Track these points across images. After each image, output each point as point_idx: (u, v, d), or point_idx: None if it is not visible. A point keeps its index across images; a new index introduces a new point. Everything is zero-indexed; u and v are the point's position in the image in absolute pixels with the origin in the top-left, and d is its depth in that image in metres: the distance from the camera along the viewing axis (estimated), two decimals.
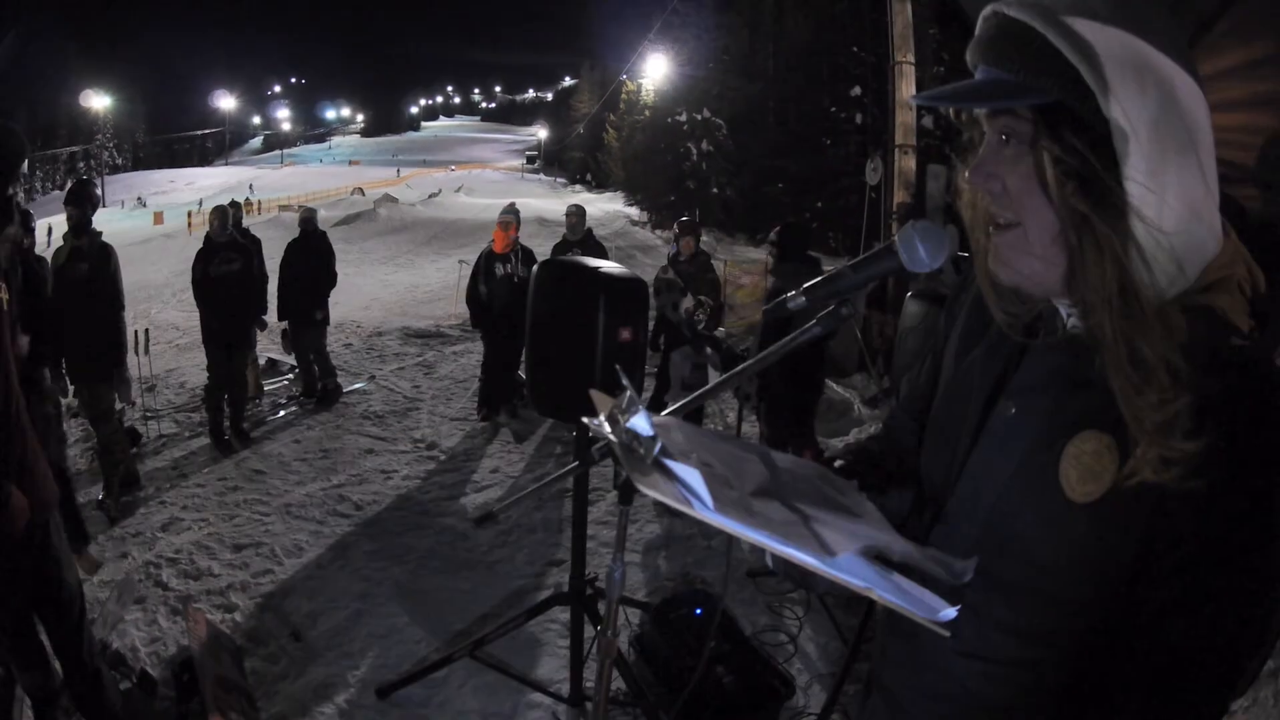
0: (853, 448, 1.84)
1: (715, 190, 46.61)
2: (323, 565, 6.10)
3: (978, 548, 1.33)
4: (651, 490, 1.18)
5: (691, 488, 1.18)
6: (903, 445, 1.75)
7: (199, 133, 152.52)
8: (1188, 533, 1.14)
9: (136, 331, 9.13)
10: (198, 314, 9.32)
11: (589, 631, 4.15)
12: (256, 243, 10.23)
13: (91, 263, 6.99)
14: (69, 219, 7.02)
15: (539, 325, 3.50)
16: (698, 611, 4.54)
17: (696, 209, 44.31)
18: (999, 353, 1.42)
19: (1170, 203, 1.14)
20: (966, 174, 1.32)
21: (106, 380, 7.04)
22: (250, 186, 65.09)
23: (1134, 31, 1.15)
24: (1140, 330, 1.15)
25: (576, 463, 2.00)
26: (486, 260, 9.52)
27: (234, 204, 10.63)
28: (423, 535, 6.57)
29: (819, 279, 1.54)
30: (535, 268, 3.62)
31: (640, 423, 1.25)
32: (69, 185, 7.47)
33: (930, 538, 1.44)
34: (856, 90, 42.44)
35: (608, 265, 3.50)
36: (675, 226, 9.09)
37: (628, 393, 1.29)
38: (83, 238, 7.01)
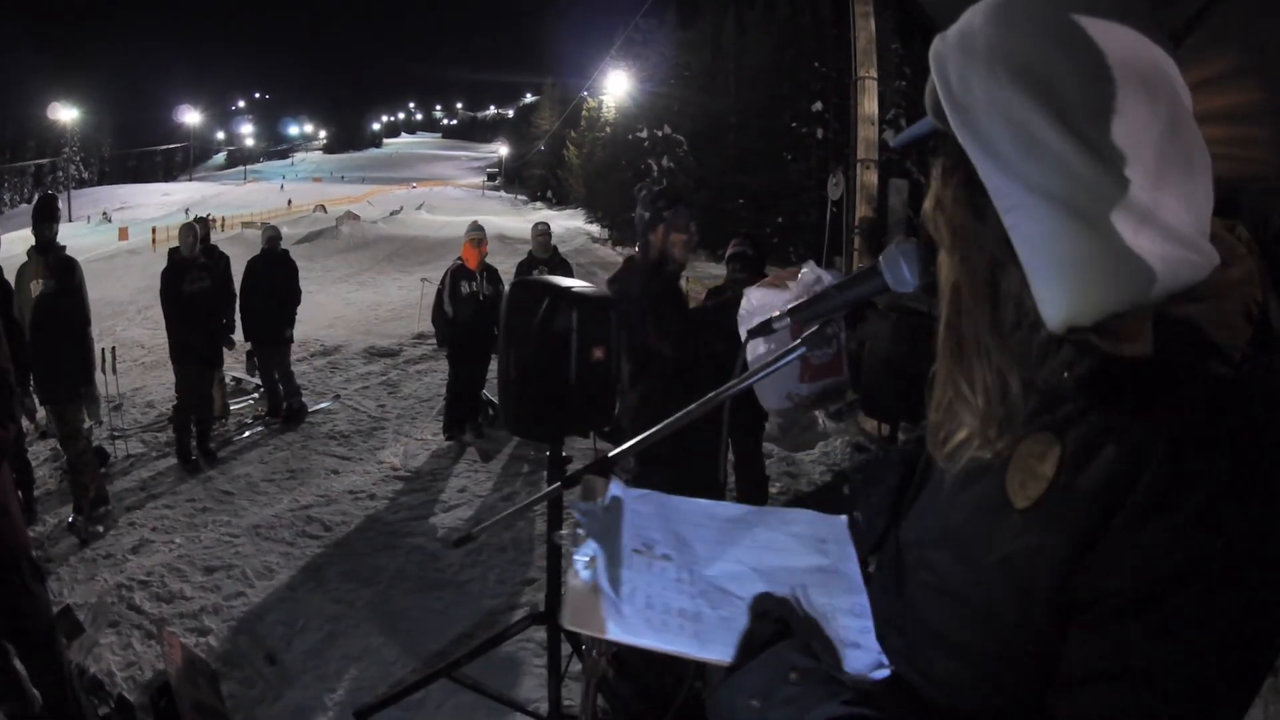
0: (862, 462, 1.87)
1: None
2: (294, 587, 6.08)
3: (934, 551, 1.29)
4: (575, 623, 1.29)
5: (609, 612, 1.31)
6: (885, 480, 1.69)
7: (163, 147, 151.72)
8: (1137, 543, 0.98)
9: (104, 350, 9.09)
10: (162, 332, 9.26)
11: (566, 650, 4.16)
12: (225, 260, 10.21)
13: (59, 279, 6.94)
14: (37, 234, 6.97)
15: (511, 345, 3.47)
16: None
17: None
18: None
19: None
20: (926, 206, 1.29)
21: (75, 399, 6.99)
22: (186, 211, 65.06)
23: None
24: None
25: (557, 484, 2.01)
26: (452, 278, 9.52)
27: (200, 220, 10.57)
28: (393, 556, 6.55)
29: (804, 300, 1.57)
30: (508, 287, 3.62)
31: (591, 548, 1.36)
32: (35, 200, 7.40)
33: (885, 546, 1.45)
34: (818, 105, 42.80)
35: (580, 284, 3.49)
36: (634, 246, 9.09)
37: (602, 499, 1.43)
38: (48, 254, 6.96)
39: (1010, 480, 1.14)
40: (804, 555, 1.48)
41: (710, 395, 1.70)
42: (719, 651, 1.26)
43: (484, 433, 9.73)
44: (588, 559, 1.35)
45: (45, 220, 6.98)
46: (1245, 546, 0.94)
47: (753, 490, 7.27)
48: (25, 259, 7.08)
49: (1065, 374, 1.12)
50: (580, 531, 1.39)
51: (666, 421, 1.80)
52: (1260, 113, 3.27)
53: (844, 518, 1.55)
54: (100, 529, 7.04)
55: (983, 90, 1.07)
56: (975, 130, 1.08)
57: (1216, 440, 0.98)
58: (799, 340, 1.55)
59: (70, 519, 7.08)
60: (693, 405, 1.75)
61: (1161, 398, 1.04)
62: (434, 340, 12.03)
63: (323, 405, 11.20)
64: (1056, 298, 1.05)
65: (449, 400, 9.84)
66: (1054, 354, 1.13)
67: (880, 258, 1.43)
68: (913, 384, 3.29)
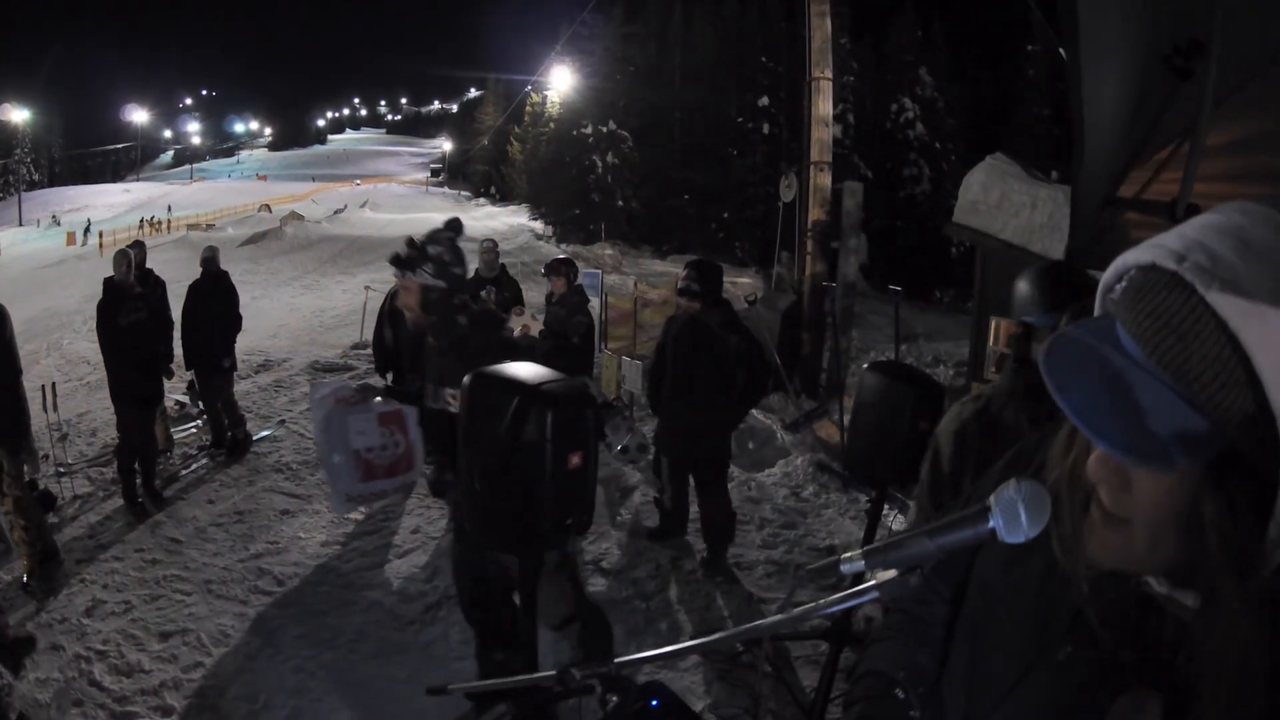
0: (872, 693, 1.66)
1: (620, 203, 46.94)
2: (252, 655, 5.80)
3: None
4: None
5: None
6: (929, 626, 1.64)
7: (112, 147, 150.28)
8: None
9: (44, 386, 8.79)
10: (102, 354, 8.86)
11: None
12: (160, 285, 9.91)
13: None
14: None
15: (473, 451, 3.14)
16: (654, 703, 4.36)
17: (601, 222, 44.58)
18: (1067, 581, 1.22)
19: None
20: (1090, 460, 1.10)
21: (13, 454, 6.63)
22: (168, 207, 65.34)
23: None
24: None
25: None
26: (393, 303, 9.16)
27: (136, 244, 10.21)
28: (349, 614, 6.31)
29: (885, 543, 1.30)
30: (465, 379, 3.21)
31: None
32: None
33: None
34: (764, 101, 42.95)
35: (550, 377, 3.12)
36: (543, 268, 8.89)
37: None
38: None
39: None
40: None
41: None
42: None
43: (432, 461, 9.40)
44: None
45: None
46: None
47: (719, 527, 7.14)
48: None
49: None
50: None
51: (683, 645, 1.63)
52: None
53: None
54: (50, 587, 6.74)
55: None
56: None
57: None
58: (872, 584, 1.32)
59: (24, 579, 6.78)
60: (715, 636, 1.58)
61: None
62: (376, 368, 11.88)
63: (266, 433, 10.86)
64: None
65: None
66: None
67: (993, 500, 1.16)
68: (902, 448, 3.16)
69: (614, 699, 1.84)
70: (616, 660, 1.71)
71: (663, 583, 6.85)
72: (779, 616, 1.48)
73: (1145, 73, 3.10)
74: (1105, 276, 1.08)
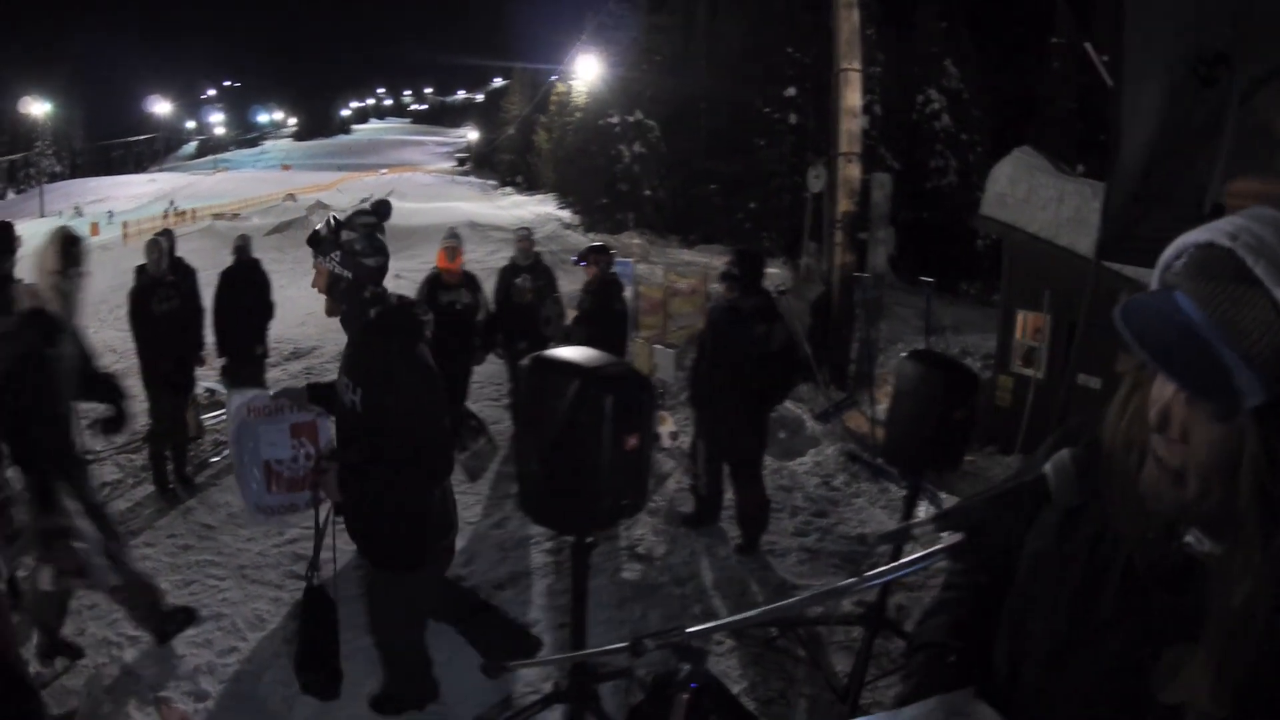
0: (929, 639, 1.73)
1: (647, 192, 46.76)
2: (288, 639, 5.74)
3: None
4: None
5: None
6: (982, 598, 1.72)
7: (135, 138, 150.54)
8: None
9: None
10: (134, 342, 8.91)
11: None
12: (191, 273, 9.93)
13: None
14: None
15: (531, 432, 3.19)
16: (693, 685, 4.35)
17: (629, 211, 44.52)
18: (1116, 544, 1.39)
19: None
20: (1151, 417, 1.27)
21: None
22: (171, 202, 65.41)
23: None
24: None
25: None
26: (429, 288, 9.17)
27: (166, 233, 10.23)
28: None
29: (952, 508, 1.45)
30: (524, 364, 3.22)
31: None
32: None
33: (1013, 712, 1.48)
34: (791, 91, 42.77)
35: (609, 362, 3.15)
36: (576, 255, 8.87)
37: None
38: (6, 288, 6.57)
39: (1159, 680, 1.26)
40: None
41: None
42: None
43: (468, 446, 9.42)
44: None
45: (9, 250, 6.60)
46: None
47: (753, 515, 7.14)
48: None
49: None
50: None
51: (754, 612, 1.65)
52: None
53: (970, 690, 1.53)
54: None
55: None
56: None
57: None
58: (935, 549, 1.43)
59: None
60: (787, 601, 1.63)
61: None
62: None
63: None
64: None
65: None
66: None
67: (1048, 468, 1.36)
68: (938, 436, 3.19)
69: (686, 668, 1.89)
70: (688, 630, 1.78)
71: (697, 568, 6.87)
72: (852, 580, 1.61)
73: (1175, 81, 3.15)
74: (1165, 255, 1.29)
